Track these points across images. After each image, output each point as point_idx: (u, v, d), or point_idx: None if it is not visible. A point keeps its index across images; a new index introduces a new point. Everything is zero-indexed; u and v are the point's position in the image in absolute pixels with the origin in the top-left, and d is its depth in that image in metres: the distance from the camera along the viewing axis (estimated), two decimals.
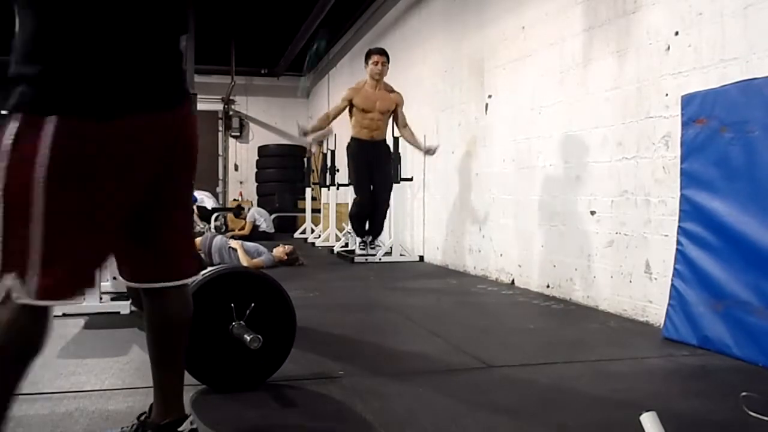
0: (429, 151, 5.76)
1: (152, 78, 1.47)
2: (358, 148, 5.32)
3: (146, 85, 1.46)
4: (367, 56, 5.35)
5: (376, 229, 5.56)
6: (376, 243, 5.49)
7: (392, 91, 5.63)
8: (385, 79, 6.03)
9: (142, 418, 1.67)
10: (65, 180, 1.33)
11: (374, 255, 5.54)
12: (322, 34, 6.38)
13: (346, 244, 7.31)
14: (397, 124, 5.65)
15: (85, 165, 1.35)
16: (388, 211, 6.12)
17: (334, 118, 5.97)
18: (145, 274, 1.58)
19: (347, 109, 5.82)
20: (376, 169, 5.33)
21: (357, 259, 6.26)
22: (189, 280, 1.64)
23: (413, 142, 5.71)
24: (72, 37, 1.35)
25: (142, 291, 1.61)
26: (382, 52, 5.33)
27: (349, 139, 5.91)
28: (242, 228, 9.47)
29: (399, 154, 6.30)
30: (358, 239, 5.53)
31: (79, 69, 1.35)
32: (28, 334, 1.34)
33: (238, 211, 10.00)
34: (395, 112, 5.40)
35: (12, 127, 1.32)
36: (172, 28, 1.52)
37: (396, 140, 6.30)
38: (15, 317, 1.31)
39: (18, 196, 1.31)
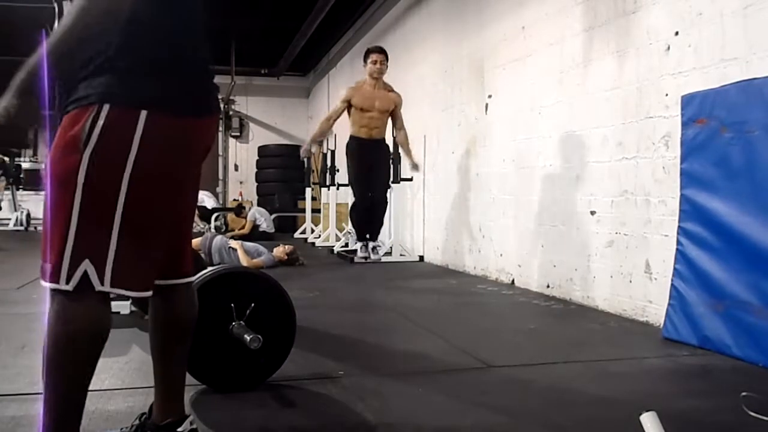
0: (416, 166, 5.77)
1: (212, 82, 1.56)
2: (357, 147, 5.31)
3: (212, 88, 1.55)
4: (366, 55, 5.34)
5: (375, 228, 5.53)
6: (378, 246, 5.44)
7: (391, 90, 5.62)
8: (385, 79, 6.03)
9: (143, 418, 1.66)
10: (150, 176, 1.37)
11: (377, 257, 5.50)
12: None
13: (346, 244, 7.30)
14: (394, 125, 5.64)
15: (167, 162, 1.42)
16: (386, 211, 6.12)
17: (336, 119, 5.97)
18: (170, 272, 1.59)
19: (346, 111, 5.81)
20: (375, 168, 5.32)
21: (357, 259, 6.25)
22: (194, 279, 1.66)
23: (405, 147, 5.70)
24: (163, 33, 1.40)
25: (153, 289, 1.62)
26: (381, 51, 5.33)
27: (347, 139, 5.90)
28: (242, 227, 9.48)
29: (399, 154, 6.30)
30: (359, 242, 5.49)
31: (169, 67, 1.41)
32: (101, 320, 1.39)
33: (239, 210, 10.00)
34: (393, 112, 5.39)
35: (98, 117, 1.33)
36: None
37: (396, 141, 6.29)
38: (89, 304, 1.35)
39: (105, 185, 1.34)
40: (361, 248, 5.44)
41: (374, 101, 5.21)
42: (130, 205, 1.36)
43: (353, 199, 5.98)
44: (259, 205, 11.71)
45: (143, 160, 1.35)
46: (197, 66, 1.51)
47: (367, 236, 5.45)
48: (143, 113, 1.34)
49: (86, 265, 1.33)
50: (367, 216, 5.61)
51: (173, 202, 1.50)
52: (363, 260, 6.13)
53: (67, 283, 1.32)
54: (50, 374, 1.37)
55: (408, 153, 5.75)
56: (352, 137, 5.41)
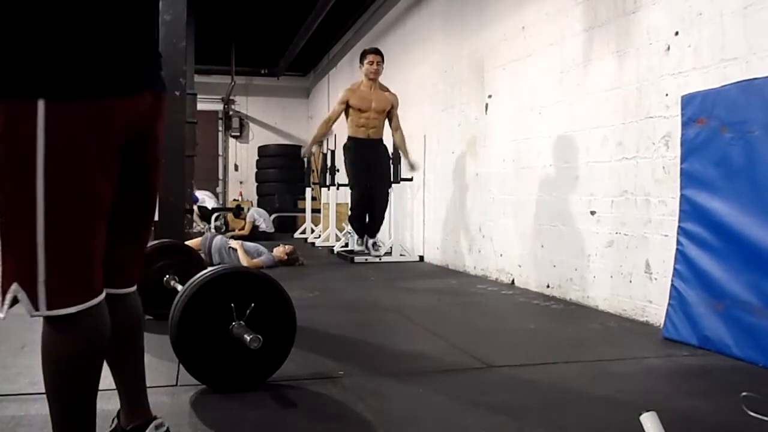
0: (413, 166, 5.77)
1: (148, 56, 1.38)
2: (355, 147, 5.31)
3: (146, 62, 1.37)
4: (362, 56, 5.35)
5: (375, 227, 5.52)
6: (377, 244, 5.42)
7: (387, 91, 5.63)
8: (385, 79, 6.03)
9: (113, 424, 1.60)
10: (66, 171, 1.21)
11: (377, 256, 5.49)
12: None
13: (346, 244, 7.30)
14: (390, 125, 5.65)
15: (85, 152, 1.23)
16: (386, 211, 6.11)
17: (334, 121, 5.99)
18: (112, 280, 1.45)
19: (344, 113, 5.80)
20: (373, 168, 5.32)
21: (357, 259, 6.26)
22: (133, 289, 1.53)
23: (402, 148, 5.71)
24: (63, 10, 1.22)
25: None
26: (377, 52, 5.34)
27: (345, 139, 5.89)
28: (242, 228, 9.48)
29: (399, 154, 6.30)
30: (358, 240, 5.48)
31: (76, 45, 1.23)
32: (88, 337, 1.28)
33: (238, 210, 10.01)
34: (390, 113, 5.39)
35: None
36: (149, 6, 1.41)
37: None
38: (69, 326, 1.25)
39: (17, 190, 1.20)
40: (358, 242, 5.42)
41: (371, 101, 5.22)
42: (50, 209, 1.20)
43: (352, 200, 5.96)
44: (259, 205, 11.72)
45: (54, 155, 1.19)
46: (118, 40, 1.30)
47: (366, 235, 5.43)
48: (41, 103, 1.18)
49: (16, 290, 1.21)
50: (367, 213, 5.59)
51: (102, 192, 1.29)
52: (363, 259, 6.13)
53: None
54: (52, 399, 1.30)
55: (405, 153, 5.76)
56: (349, 138, 5.41)
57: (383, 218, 5.82)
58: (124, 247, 1.46)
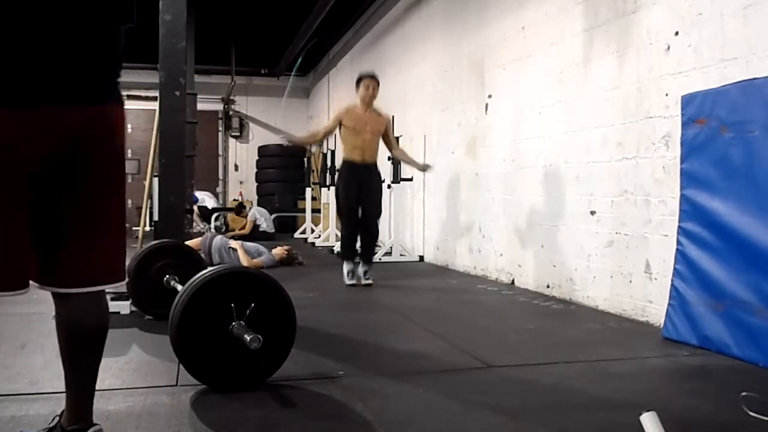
0: (425, 168, 5.73)
1: (53, 67, 1.39)
2: (349, 171, 5.17)
3: (50, 74, 1.39)
4: (358, 81, 5.31)
5: (368, 256, 5.26)
6: (368, 274, 5.14)
7: (381, 114, 5.59)
8: (386, 79, 6.02)
9: (56, 421, 1.63)
10: None
11: (368, 282, 5.13)
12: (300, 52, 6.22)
13: None
14: (388, 146, 5.60)
15: None
16: (377, 240, 5.84)
17: (324, 137, 5.93)
18: (46, 278, 1.51)
19: (339, 134, 5.69)
20: (365, 193, 5.17)
21: (357, 259, 6.22)
22: (92, 289, 1.53)
23: (409, 161, 5.64)
24: None
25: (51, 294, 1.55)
26: (373, 77, 5.31)
27: (340, 164, 5.69)
28: (243, 227, 9.48)
29: (398, 160, 6.28)
30: (346, 268, 5.18)
31: None
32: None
33: (240, 208, 10.00)
34: (385, 134, 5.35)
35: None
36: (91, 18, 1.44)
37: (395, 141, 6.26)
38: None
39: None
40: (348, 274, 5.14)
41: (366, 123, 5.17)
42: None
43: (342, 225, 5.63)
44: (259, 205, 11.71)
45: None
46: (13, 52, 1.35)
47: (356, 260, 5.17)
48: None
49: None
50: (357, 239, 5.33)
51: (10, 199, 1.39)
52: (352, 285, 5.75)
53: None
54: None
55: (413, 161, 5.69)
56: (344, 162, 5.28)
57: (375, 245, 5.59)
58: (55, 248, 1.49)
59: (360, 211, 5.12)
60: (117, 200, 1.55)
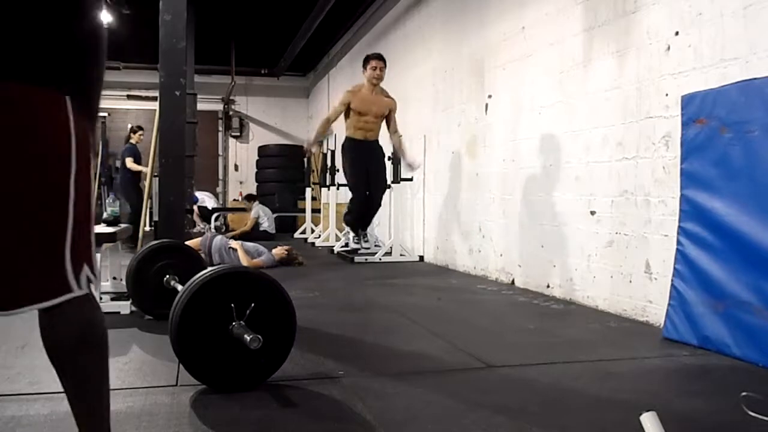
0: (411, 165, 5.80)
1: None
2: (354, 147, 5.34)
3: None
4: (365, 61, 5.38)
5: (367, 222, 5.65)
6: (366, 236, 5.56)
7: (388, 96, 5.66)
8: (386, 79, 6.03)
9: None
10: None
11: (367, 245, 5.59)
12: None
13: (346, 244, 7.30)
14: (389, 128, 5.68)
15: None
16: (381, 210, 6.17)
17: (334, 120, 6.05)
18: None
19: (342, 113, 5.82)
20: (372, 167, 5.35)
21: (357, 259, 6.26)
22: (33, 307, 1.27)
23: (399, 149, 5.76)
24: None
25: None
26: (380, 57, 5.38)
27: (343, 139, 5.88)
28: (245, 224, 9.50)
29: (399, 155, 6.30)
30: (355, 238, 5.51)
31: None
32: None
33: (250, 198, 10.03)
34: (388, 117, 5.42)
35: None
36: None
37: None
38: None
39: None
40: (355, 239, 5.49)
41: (372, 105, 5.25)
42: None
43: (350, 198, 5.95)
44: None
45: None
46: None
47: (360, 232, 5.49)
48: None
49: None
50: (366, 212, 5.64)
51: None
52: (363, 259, 6.13)
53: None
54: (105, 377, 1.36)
55: (403, 154, 5.79)
56: (347, 138, 5.44)
57: (374, 217, 5.93)
58: None
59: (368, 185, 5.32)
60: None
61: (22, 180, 1.24)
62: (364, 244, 5.38)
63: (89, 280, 1.32)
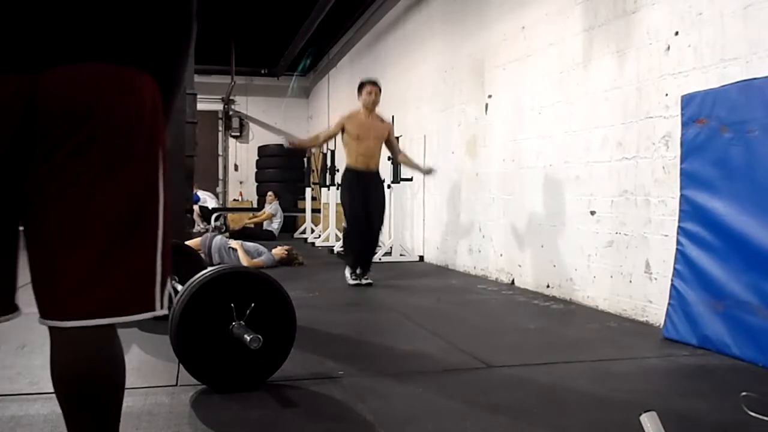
0: (429, 171, 5.74)
1: (44, 23, 1.01)
2: (353, 179, 5.18)
3: (44, 32, 1.00)
4: (360, 87, 5.31)
5: (367, 263, 5.31)
6: (368, 274, 5.20)
7: (383, 120, 5.59)
8: (386, 79, 6.02)
9: None
10: None
11: (368, 282, 5.20)
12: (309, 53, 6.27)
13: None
14: (392, 152, 5.61)
15: None
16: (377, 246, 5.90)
17: (325, 141, 5.94)
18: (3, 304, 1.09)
19: (341, 141, 5.70)
20: (373, 203, 5.20)
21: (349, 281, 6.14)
22: (76, 323, 1.04)
23: (412, 165, 5.66)
24: None
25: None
26: (375, 83, 5.31)
27: (343, 170, 5.72)
28: (262, 214, 9.65)
29: (398, 161, 6.27)
30: (349, 270, 5.22)
31: None
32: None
33: (274, 195, 10.05)
34: (388, 139, 5.36)
35: None
36: None
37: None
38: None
39: None
40: (351, 276, 5.20)
41: (370, 129, 5.16)
42: None
43: (347, 230, 5.72)
44: (258, 205, 11.73)
45: None
46: None
47: (358, 270, 5.21)
48: None
49: None
50: (364, 248, 5.38)
51: None
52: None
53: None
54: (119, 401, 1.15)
55: (415, 165, 5.71)
56: (348, 169, 5.29)
57: (374, 254, 5.66)
58: (37, 268, 1.07)
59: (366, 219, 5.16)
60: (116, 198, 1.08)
61: (85, 184, 1.04)
62: (364, 281, 5.11)
63: (170, 300, 1.12)
